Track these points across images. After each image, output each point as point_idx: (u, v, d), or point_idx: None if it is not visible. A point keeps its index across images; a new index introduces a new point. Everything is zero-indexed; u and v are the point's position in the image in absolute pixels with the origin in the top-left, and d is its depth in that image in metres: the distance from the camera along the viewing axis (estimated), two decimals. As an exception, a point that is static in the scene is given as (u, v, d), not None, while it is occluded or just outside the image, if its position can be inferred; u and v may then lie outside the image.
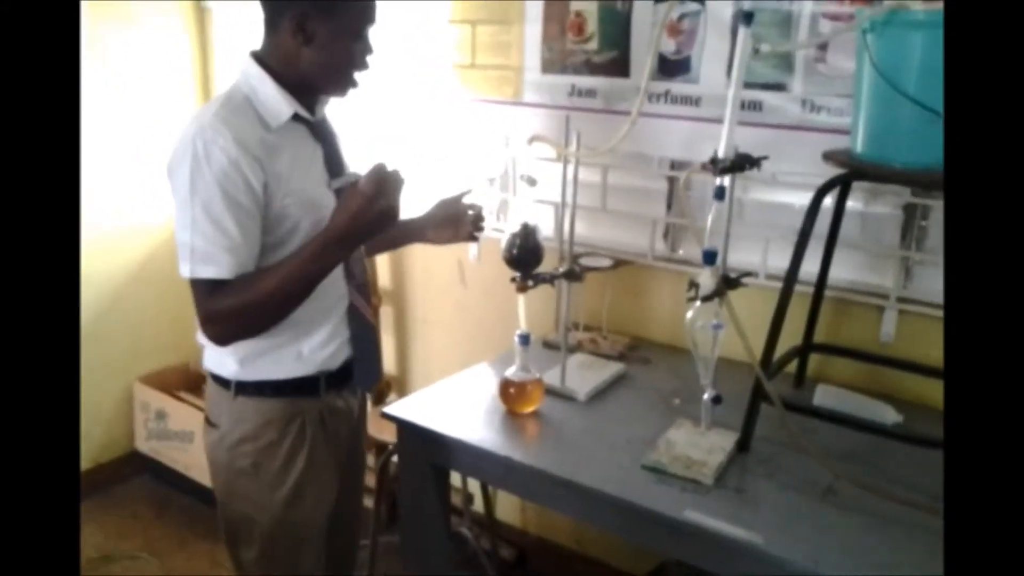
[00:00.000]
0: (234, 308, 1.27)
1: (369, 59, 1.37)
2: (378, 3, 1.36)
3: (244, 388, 1.41)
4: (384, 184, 1.22)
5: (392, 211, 1.25)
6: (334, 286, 1.42)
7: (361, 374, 1.52)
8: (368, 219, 1.23)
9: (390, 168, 1.24)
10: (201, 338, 1.37)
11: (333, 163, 1.41)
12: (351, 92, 1.39)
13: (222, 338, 1.32)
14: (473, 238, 1.73)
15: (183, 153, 1.25)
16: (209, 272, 1.26)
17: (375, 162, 1.24)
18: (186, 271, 1.28)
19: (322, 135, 1.41)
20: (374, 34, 1.38)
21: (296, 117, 1.34)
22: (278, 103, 1.33)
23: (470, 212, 1.71)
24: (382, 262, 2.49)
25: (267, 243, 1.32)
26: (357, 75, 1.37)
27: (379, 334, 1.58)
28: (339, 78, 1.36)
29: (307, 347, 1.41)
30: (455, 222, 1.71)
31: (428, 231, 1.71)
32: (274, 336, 1.36)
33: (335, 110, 1.49)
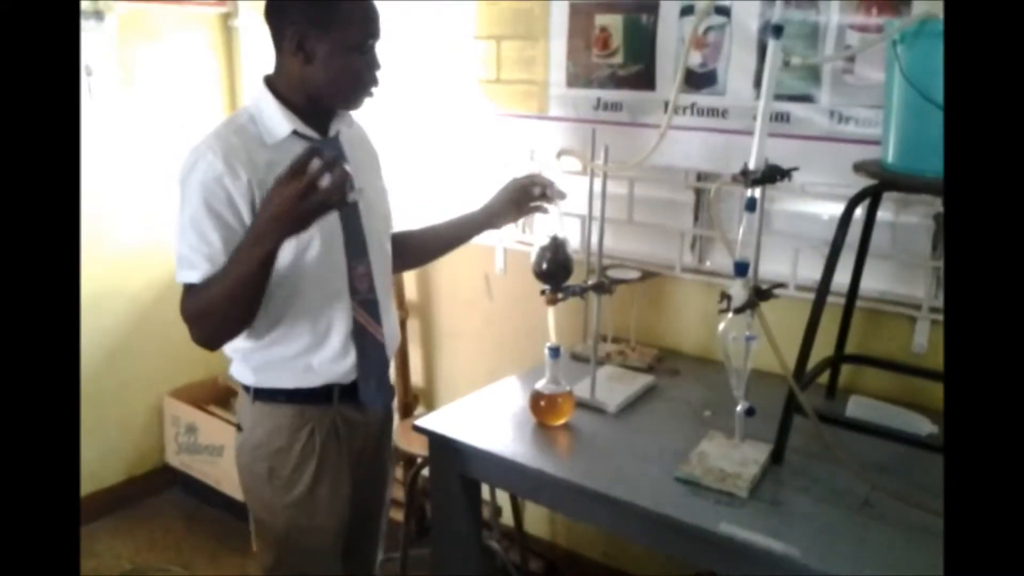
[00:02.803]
0: (201, 307, 1.33)
1: (378, 74, 1.40)
2: (382, 18, 1.38)
3: (260, 394, 1.47)
4: (300, 169, 1.19)
5: (317, 194, 1.19)
6: (338, 301, 1.44)
7: (367, 392, 1.51)
8: (286, 201, 1.20)
9: (322, 156, 1.20)
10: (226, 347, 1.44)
11: None
12: (365, 103, 1.42)
13: (201, 338, 1.37)
14: (540, 209, 1.70)
15: (181, 167, 1.34)
16: (188, 277, 1.33)
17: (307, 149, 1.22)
18: (177, 277, 1.35)
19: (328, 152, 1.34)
20: (381, 48, 1.40)
21: (298, 134, 1.38)
22: (277, 120, 1.37)
23: (535, 189, 1.68)
24: (408, 275, 2.50)
25: None
26: (369, 86, 1.40)
27: (389, 352, 1.56)
28: (346, 93, 1.39)
29: (317, 360, 1.44)
30: (517, 203, 1.69)
31: (495, 219, 1.71)
32: (283, 350, 1.42)
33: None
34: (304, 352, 1.43)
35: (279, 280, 1.36)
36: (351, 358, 1.47)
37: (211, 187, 1.30)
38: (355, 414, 1.52)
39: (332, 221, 1.38)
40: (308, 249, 1.38)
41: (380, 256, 1.52)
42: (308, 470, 1.47)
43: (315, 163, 1.19)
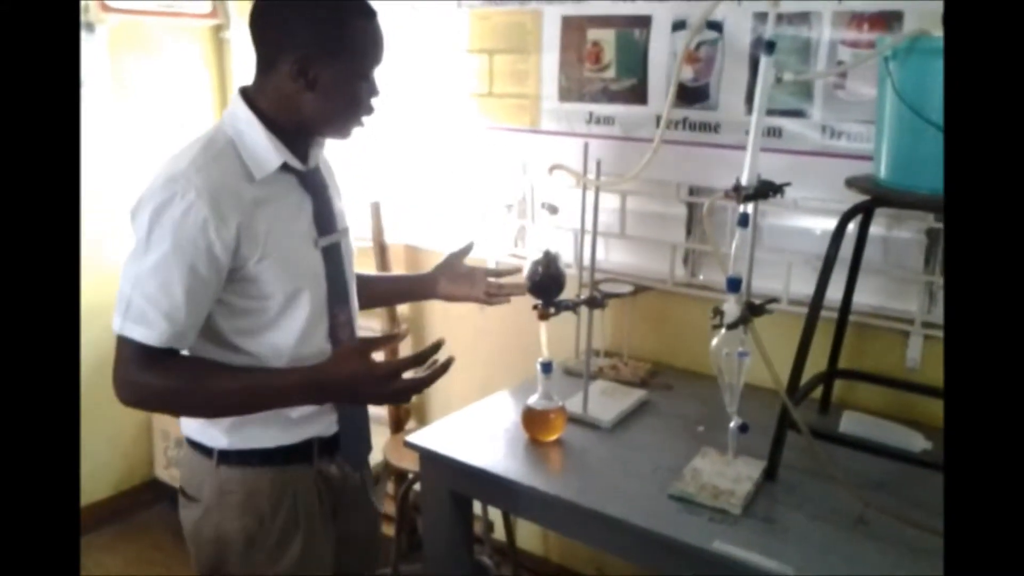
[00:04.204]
0: (167, 388, 1.18)
1: (374, 102, 1.27)
2: (386, 45, 1.27)
3: (228, 457, 1.28)
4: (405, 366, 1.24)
5: (371, 398, 1.27)
6: (318, 350, 1.29)
7: (349, 446, 1.38)
8: (360, 388, 1.23)
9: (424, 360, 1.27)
10: None
11: (322, 218, 1.29)
12: (354, 134, 1.29)
13: (131, 404, 1.20)
14: (487, 302, 1.60)
15: (149, 197, 1.15)
16: (138, 334, 1.15)
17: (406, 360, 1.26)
18: (116, 325, 1.17)
19: (312, 186, 1.29)
20: (380, 75, 1.28)
21: (285, 167, 1.23)
22: (266, 152, 1.21)
23: (489, 279, 1.61)
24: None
25: (235, 307, 1.22)
26: (365, 114, 1.27)
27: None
28: (342, 123, 1.26)
29: (296, 412, 1.29)
30: (469, 277, 1.61)
31: (439, 286, 1.61)
32: None
33: (338, 148, 1.42)
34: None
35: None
36: (329, 409, 1.33)
37: (190, 234, 1.13)
38: (334, 470, 1.37)
39: (317, 270, 1.28)
40: (296, 306, 1.25)
41: (354, 299, 1.40)
42: (296, 536, 1.30)
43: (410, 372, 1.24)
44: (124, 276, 1.18)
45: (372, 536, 1.53)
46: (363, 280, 1.50)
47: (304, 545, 1.31)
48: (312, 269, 1.27)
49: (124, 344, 1.17)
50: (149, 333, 1.15)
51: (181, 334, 1.17)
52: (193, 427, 1.31)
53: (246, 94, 1.24)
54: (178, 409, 1.27)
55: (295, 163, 1.25)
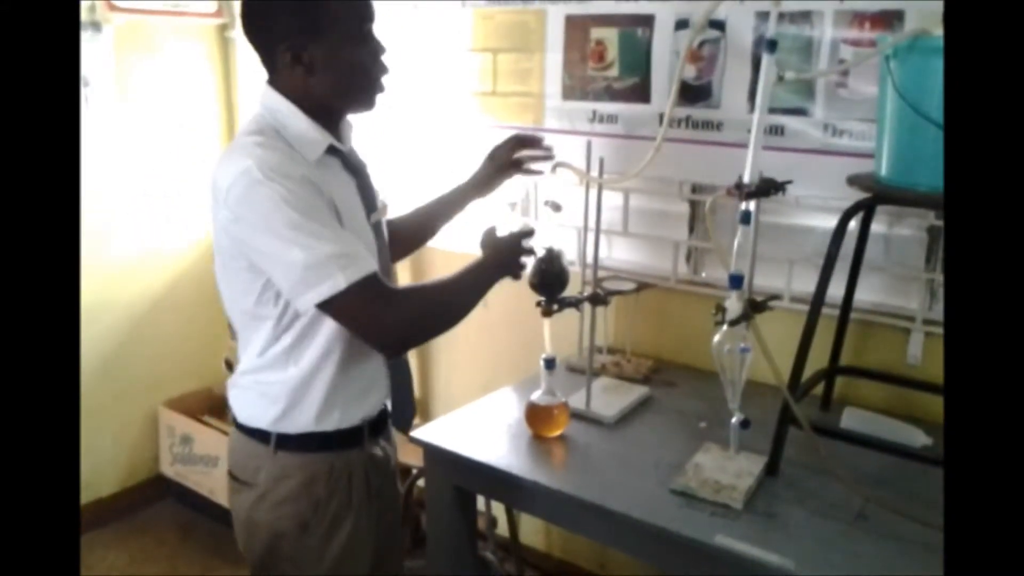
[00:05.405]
0: (417, 300, 1.25)
1: (384, 58, 1.28)
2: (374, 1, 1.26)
3: (286, 442, 1.29)
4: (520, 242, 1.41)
5: (517, 268, 1.42)
6: None
7: (398, 414, 1.45)
8: (508, 258, 1.40)
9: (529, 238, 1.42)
10: (233, 388, 1.33)
11: (367, 195, 1.34)
12: (379, 100, 1.30)
13: (404, 345, 1.29)
14: (531, 171, 1.70)
15: (250, 184, 1.13)
16: (359, 270, 1.15)
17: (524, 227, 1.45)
18: (328, 286, 1.13)
19: (354, 166, 1.33)
20: (380, 31, 1.27)
21: (329, 149, 1.26)
22: (312, 136, 1.23)
23: (522, 150, 1.68)
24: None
25: None
26: (379, 77, 1.28)
27: (410, 369, 1.53)
28: (360, 92, 1.27)
29: (350, 394, 1.31)
30: (507, 167, 1.67)
31: (483, 187, 1.68)
32: (322, 385, 1.28)
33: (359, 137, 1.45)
34: (337, 388, 1.29)
35: None
36: (377, 388, 1.37)
37: (306, 185, 1.15)
38: (378, 451, 1.40)
39: (371, 241, 1.30)
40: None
41: (393, 275, 1.47)
42: (347, 521, 1.32)
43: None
44: (281, 257, 1.14)
45: (399, 516, 1.57)
46: (400, 221, 1.62)
47: (353, 528, 1.33)
48: (371, 244, 1.30)
49: (359, 291, 1.15)
50: (368, 262, 1.18)
51: (369, 255, 1.22)
52: (247, 413, 1.32)
53: (276, 87, 1.26)
54: (437, 318, 1.29)
55: (339, 144, 1.28)
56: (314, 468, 1.30)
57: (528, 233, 1.44)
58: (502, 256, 1.40)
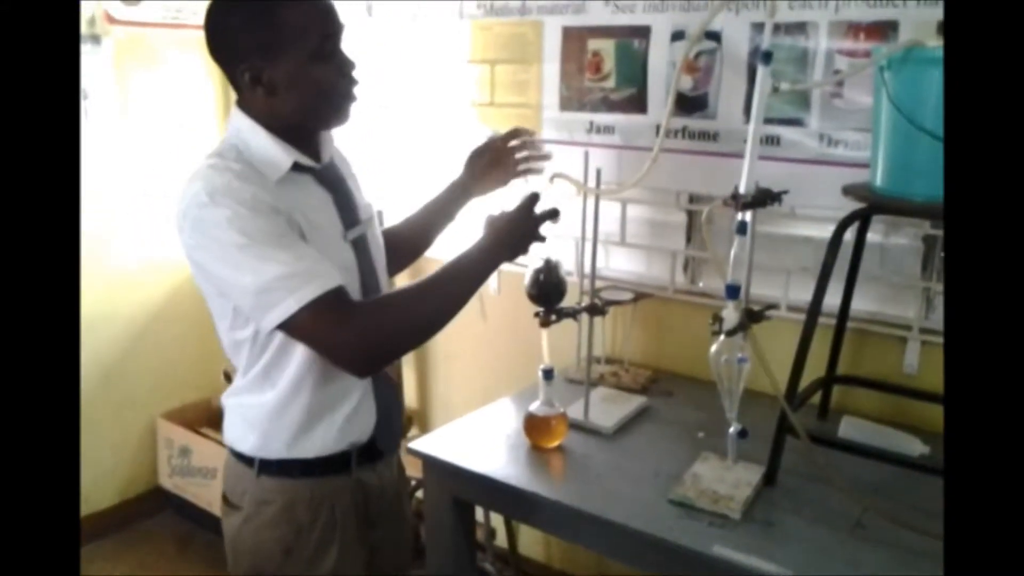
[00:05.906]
0: (385, 311, 1.19)
1: (354, 74, 1.24)
2: (336, 7, 1.22)
3: (268, 467, 1.28)
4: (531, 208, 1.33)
5: (532, 235, 1.35)
6: None
7: (385, 436, 1.37)
8: (512, 235, 1.33)
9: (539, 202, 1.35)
10: (224, 408, 1.31)
11: (346, 210, 1.30)
12: (351, 111, 1.26)
13: (369, 362, 1.19)
14: (528, 171, 1.69)
15: (199, 208, 1.13)
16: (316, 287, 1.11)
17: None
18: (283, 308, 1.10)
19: (329, 180, 1.29)
20: (346, 45, 1.24)
21: (297, 166, 1.22)
22: (274, 154, 1.20)
23: (514, 146, 1.67)
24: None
25: None
26: (348, 92, 1.24)
27: (401, 390, 1.49)
28: (328, 109, 1.23)
29: (336, 418, 1.28)
30: (497, 164, 1.67)
31: (473, 186, 1.66)
32: (299, 410, 1.26)
33: (350, 147, 1.44)
34: (322, 412, 1.27)
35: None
36: (365, 410, 1.32)
37: (262, 201, 1.12)
38: (372, 478, 1.37)
39: (349, 264, 1.26)
40: None
41: (386, 289, 1.40)
42: (332, 549, 1.30)
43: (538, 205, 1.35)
44: (235, 280, 1.12)
45: (405, 543, 1.54)
46: (393, 232, 1.57)
47: (340, 555, 1.31)
48: (344, 263, 1.25)
49: (313, 312, 1.11)
50: (324, 280, 1.12)
51: (332, 272, 1.15)
52: (233, 435, 1.31)
53: (243, 107, 1.25)
54: (407, 329, 1.21)
55: (306, 161, 1.24)
56: (294, 493, 1.28)
57: (534, 198, 1.35)
58: (502, 235, 1.31)
